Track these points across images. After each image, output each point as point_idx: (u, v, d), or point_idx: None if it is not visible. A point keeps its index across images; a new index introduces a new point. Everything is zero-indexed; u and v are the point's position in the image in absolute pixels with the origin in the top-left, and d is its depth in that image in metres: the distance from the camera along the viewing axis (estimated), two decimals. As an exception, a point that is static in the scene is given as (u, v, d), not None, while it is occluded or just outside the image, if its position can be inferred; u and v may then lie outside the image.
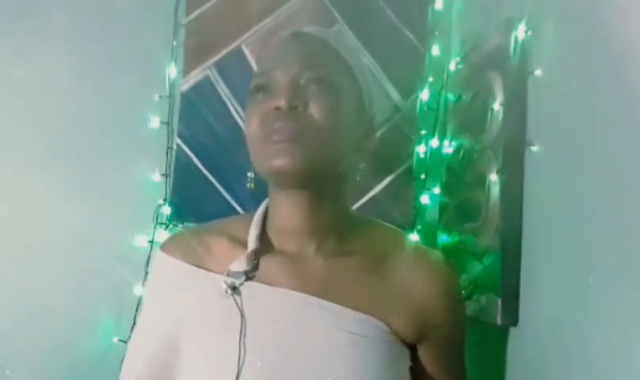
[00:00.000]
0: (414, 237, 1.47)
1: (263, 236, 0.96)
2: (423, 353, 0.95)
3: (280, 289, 0.92)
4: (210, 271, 0.94)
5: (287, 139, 0.86)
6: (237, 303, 0.90)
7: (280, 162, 0.87)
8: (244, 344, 0.88)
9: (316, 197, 0.93)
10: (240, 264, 0.93)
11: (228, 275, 0.92)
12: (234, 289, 0.91)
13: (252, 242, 0.94)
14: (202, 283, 0.94)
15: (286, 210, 0.94)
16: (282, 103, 0.87)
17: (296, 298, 0.91)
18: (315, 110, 0.88)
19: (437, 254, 1.01)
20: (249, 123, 0.91)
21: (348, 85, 0.93)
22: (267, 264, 0.94)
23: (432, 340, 0.95)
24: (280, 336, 0.89)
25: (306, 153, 0.87)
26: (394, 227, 1.02)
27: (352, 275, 0.93)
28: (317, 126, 0.88)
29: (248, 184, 0.95)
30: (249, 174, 0.95)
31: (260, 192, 0.99)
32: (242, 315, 0.89)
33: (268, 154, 0.88)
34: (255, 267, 0.93)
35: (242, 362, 0.87)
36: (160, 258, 1.01)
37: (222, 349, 0.89)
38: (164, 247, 1.02)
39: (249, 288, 0.91)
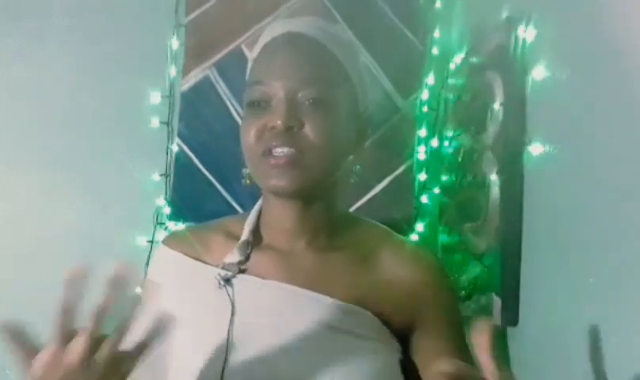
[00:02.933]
0: (414, 237, 1.47)
1: (256, 232, 0.99)
2: (414, 343, 0.96)
3: (271, 281, 0.94)
4: (206, 263, 0.97)
5: (284, 163, 0.88)
6: (228, 294, 0.92)
7: (278, 183, 0.89)
8: (233, 334, 0.90)
9: (308, 203, 0.95)
10: (233, 256, 0.96)
11: (223, 268, 0.95)
12: (227, 281, 0.93)
13: (245, 235, 0.98)
14: (198, 274, 0.97)
15: (278, 213, 0.97)
16: (278, 123, 0.88)
17: (286, 289, 0.93)
18: (311, 130, 0.89)
19: (425, 249, 1.04)
20: (246, 135, 0.92)
21: (342, 92, 0.94)
22: (259, 258, 0.97)
23: (422, 329, 0.95)
24: (269, 326, 0.91)
25: (303, 175, 0.89)
26: (382, 225, 1.04)
27: (341, 269, 0.95)
28: (313, 146, 0.89)
29: (243, 180, 0.96)
30: (244, 170, 0.96)
31: (259, 192, 1.00)
32: (233, 305, 0.92)
33: (267, 174, 0.90)
34: (247, 257, 0.96)
35: (230, 351, 0.89)
36: (161, 250, 1.04)
37: (213, 338, 0.91)
38: (165, 241, 1.05)
39: (241, 280, 0.94)
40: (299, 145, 0.88)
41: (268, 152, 0.89)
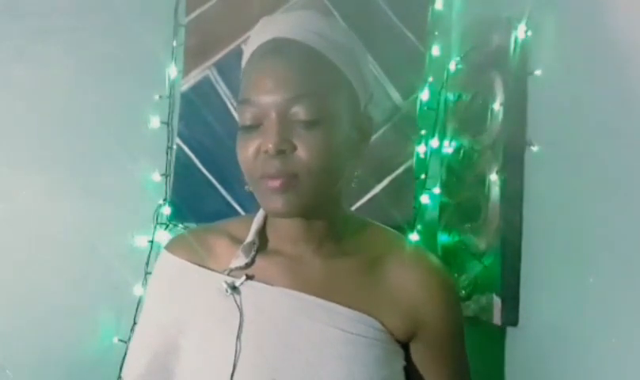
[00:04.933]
0: (414, 237, 1.47)
1: (263, 237, 0.98)
2: (414, 351, 0.96)
3: (278, 288, 0.93)
4: (212, 270, 0.96)
5: (280, 187, 0.86)
6: (236, 302, 0.92)
7: (275, 206, 0.88)
8: (241, 342, 0.90)
9: (312, 214, 0.93)
10: (239, 259, 0.94)
11: (229, 274, 0.94)
12: (234, 288, 0.92)
13: (250, 236, 0.96)
14: (204, 281, 0.95)
15: (283, 222, 0.95)
16: (270, 147, 0.85)
17: (293, 296, 0.92)
18: (304, 151, 0.86)
19: (432, 256, 1.02)
20: (242, 156, 0.89)
21: (339, 98, 0.89)
22: (265, 263, 0.95)
23: (424, 339, 0.95)
24: (277, 333, 0.91)
25: (299, 198, 0.87)
26: (390, 229, 1.03)
27: (348, 276, 0.94)
28: (308, 169, 0.86)
29: (246, 187, 0.95)
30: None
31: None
32: (241, 313, 0.91)
33: (264, 196, 0.88)
34: (252, 259, 0.95)
35: (238, 359, 0.89)
36: (164, 257, 1.02)
37: (220, 347, 0.91)
38: (168, 246, 1.03)
39: (248, 287, 0.93)
40: (292, 168, 0.86)
41: (262, 176, 0.87)
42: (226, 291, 0.92)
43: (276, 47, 0.89)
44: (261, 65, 0.89)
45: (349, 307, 0.91)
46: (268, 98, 0.86)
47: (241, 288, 0.93)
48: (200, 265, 0.97)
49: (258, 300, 0.92)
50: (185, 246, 1.00)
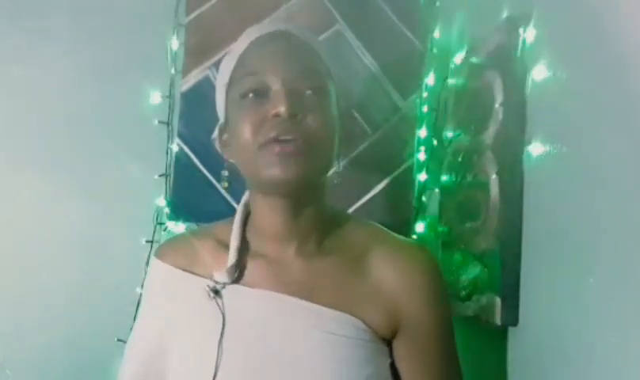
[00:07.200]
0: (414, 237, 1.47)
1: (243, 239, 0.98)
2: (398, 347, 0.96)
3: (260, 290, 0.94)
4: (197, 274, 0.97)
5: (291, 152, 0.87)
6: (219, 305, 0.92)
7: (284, 172, 0.87)
8: (223, 346, 0.90)
9: (296, 203, 0.94)
10: (222, 275, 0.95)
11: (212, 279, 0.95)
12: (217, 292, 0.93)
13: (232, 256, 0.96)
14: (189, 286, 0.97)
15: (266, 215, 0.96)
16: (282, 110, 0.87)
17: (275, 298, 0.93)
18: (314, 119, 0.89)
19: (415, 247, 1.01)
20: (242, 127, 0.90)
21: (331, 85, 0.96)
22: (248, 266, 0.96)
23: (406, 333, 0.95)
24: (259, 336, 0.91)
25: (309, 164, 0.89)
26: (373, 223, 1.03)
27: (330, 275, 0.95)
28: (317, 136, 0.89)
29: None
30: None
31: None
32: (223, 317, 0.91)
33: (270, 163, 0.88)
34: (237, 278, 0.95)
35: (220, 363, 0.89)
36: (153, 264, 1.04)
37: (204, 350, 0.92)
38: (157, 253, 1.05)
39: (231, 291, 0.94)
40: (303, 134, 0.88)
41: (272, 140, 0.87)
42: (209, 295, 0.93)
43: (275, 36, 0.95)
44: (265, 46, 0.94)
45: (331, 307, 0.92)
46: (275, 69, 0.91)
47: (224, 292, 0.94)
48: (185, 270, 0.98)
49: (240, 303, 0.93)
50: (172, 251, 1.02)
